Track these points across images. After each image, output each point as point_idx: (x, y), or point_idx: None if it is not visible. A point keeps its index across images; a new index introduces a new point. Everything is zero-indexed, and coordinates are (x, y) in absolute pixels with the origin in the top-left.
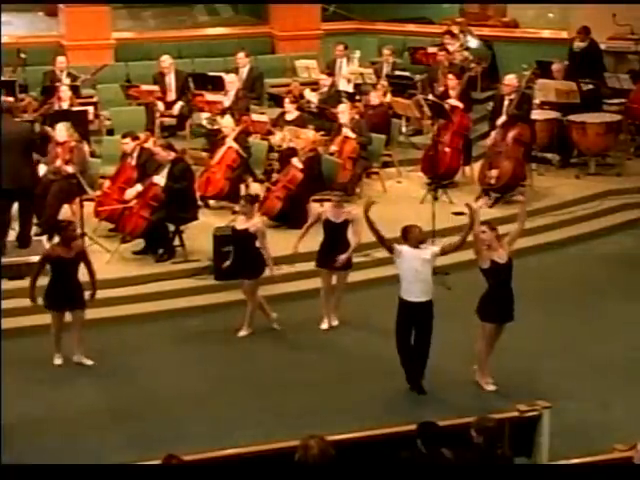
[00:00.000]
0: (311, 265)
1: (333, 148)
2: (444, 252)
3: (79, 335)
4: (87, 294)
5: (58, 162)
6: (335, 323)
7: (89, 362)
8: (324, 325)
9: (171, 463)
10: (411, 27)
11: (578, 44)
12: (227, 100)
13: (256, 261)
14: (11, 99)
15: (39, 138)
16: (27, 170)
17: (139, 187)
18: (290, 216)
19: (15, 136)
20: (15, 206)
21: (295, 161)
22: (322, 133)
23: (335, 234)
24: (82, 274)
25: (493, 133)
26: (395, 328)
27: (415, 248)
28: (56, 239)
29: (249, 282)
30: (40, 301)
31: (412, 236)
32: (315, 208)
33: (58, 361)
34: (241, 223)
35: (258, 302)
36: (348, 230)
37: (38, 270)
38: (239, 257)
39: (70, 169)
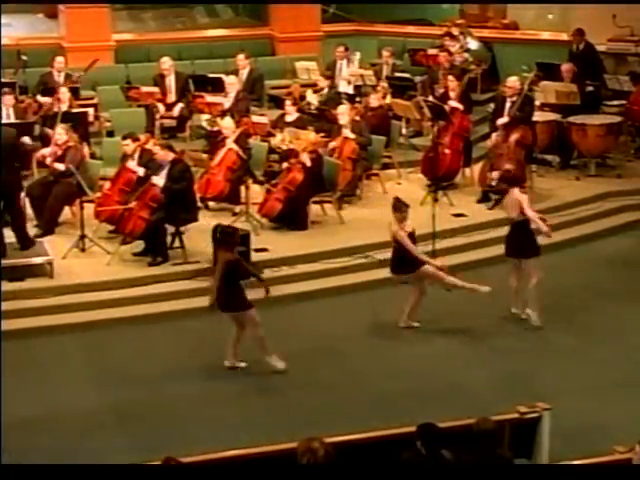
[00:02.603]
0: (311, 266)
1: (332, 147)
2: None
3: (239, 340)
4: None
5: (48, 160)
6: (535, 320)
7: (242, 364)
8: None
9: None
10: (411, 29)
11: (576, 46)
12: (227, 102)
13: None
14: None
15: (39, 139)
16: (8, 177)
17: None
18: (290, 217)
19: None
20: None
21: (304, 157)
22: (322, 134)
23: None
24: None
25: (494, 135)
26: None
27: None
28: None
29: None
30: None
31: None
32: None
33: (227, 363)
34: (408, 227)
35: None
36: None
37: (222, 276)
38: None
39: (61, 167)
